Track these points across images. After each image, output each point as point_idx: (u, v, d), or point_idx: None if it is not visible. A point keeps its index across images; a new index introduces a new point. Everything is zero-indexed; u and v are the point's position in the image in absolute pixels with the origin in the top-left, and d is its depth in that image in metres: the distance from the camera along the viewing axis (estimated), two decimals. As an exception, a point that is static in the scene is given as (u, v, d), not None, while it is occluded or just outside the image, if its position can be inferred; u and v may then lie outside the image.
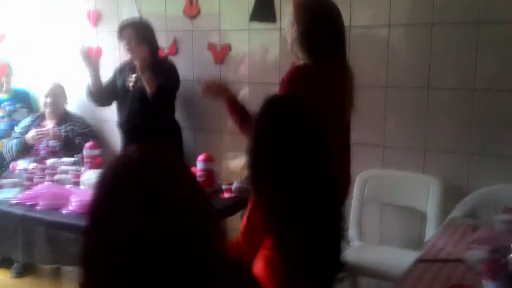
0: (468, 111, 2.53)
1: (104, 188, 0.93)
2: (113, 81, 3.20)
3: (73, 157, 3.00)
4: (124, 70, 3.16)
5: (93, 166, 2.79)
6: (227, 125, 3.21)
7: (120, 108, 3.17)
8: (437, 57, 2.58)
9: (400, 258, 2.35)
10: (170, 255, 0.88)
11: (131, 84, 3.07)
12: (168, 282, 0.87)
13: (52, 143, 3.27)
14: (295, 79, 2.01)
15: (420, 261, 1.73)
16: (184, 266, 0.89)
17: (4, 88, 3.62)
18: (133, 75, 3.06)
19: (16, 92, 3.68)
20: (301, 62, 2.09)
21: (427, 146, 2.65)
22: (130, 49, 2.97)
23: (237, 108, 2.19)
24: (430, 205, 2.54)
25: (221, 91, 2.27)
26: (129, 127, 3.06)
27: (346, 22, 2.18)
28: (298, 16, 2.07)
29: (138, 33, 2.98)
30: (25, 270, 3.27)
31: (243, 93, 2.47)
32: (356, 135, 2.33)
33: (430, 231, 2.43)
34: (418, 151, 2.68)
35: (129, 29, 3.00)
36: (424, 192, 2.58)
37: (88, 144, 2.94)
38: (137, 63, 2.90)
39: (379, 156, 2.77)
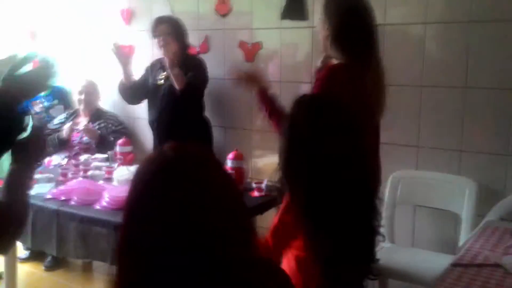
0: (506, 111, 2.45)
1: (140, 185, 0.93)
2: (144, 79, 3.23)
3: (106, 153, 3.05)
4: (155, 67, 3.19)
5: (125, 162, 2.83)
6: (257, 123, 3.20)
7: (151, 106, 3.20)
8: (474, 55, 2.51)
9: (432, 262, 2.30)
10: (204, 253, 0.87)
11: (161, 82, 3.09)
12: (201, 281, 0.87)
13: (86, 139, 3.32)
14: (331, 78, 1.98)
15: (455, 265, 1.68)
16: (218, 264, 0.88)
17: None
18: (164, 72, 3.08)
19: (53, 89, 3.75)
20: (334, 61, 2.06)
21: (463, 146, 2.58)
22: (163, 45, 3.00)
23: (268, 100, 2.18)
24: (465, 208, 2.46)
25: (254, 80, 2.27)
26: (159, 124, 3.09)
27: (380, 20, 2.14)
28: (329, 13, 2.04)
29: (172, 30, 3.01)
30: (57, 264, 3.34)
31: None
32: (389, 135, 2.29)
33: (465, 235, 2.36)
34: (453, 152, 2.61)
35: (163, 25, 3.03)
36: (459, 194, 2.50)
37: (120, 141, 2.98)
38: (167, 59, 2.92)
39: (413, 157, 2.71)
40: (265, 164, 3.19)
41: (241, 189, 2.49)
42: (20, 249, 3.33)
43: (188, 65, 2.99)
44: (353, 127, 1.57)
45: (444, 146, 2.63)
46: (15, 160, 1.29)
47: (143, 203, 0.91)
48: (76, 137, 3.39)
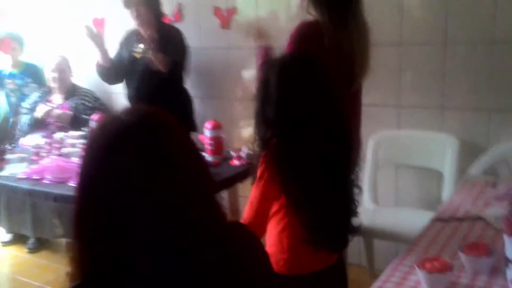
0: (487, 66, 2.41)
1: (95, 153, 0.87)
2: (120, 55, 3.11)
3: (82, 130, 2.97)
4: (129, 40, 3.07)
5: (87, 137, 2.75)
6: (237, 92, 3.13)
7: (128, 80, 3.09)
8: (452, 11, 2.44)
9: (416, 219, 2.26)
10: (164, 220, 0.82)
11: (138, 55, 2.99)
12: (162, 249, 0.82)
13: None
14: (301, 33, 1.92)
15: (436, 220, 1.66)
16: (180, 230, 0.83)
17: (12, 63, 3.58)
18: (140, 45, 2.96)
19: (26, 66, 3.64)
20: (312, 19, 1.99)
21: (444, 104, 2.54)
22: (137, 16, 2.87)
23: (265, 57, 2.11)
24: (448, 164, 2.44)
25: (261, 35, 2.20)
26: (139, 99, 2.98)
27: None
28: None
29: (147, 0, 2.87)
30: (40, 245, 3.30)
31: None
32: (369, 96, 2.23)
33: (448, 191, 2.35)
34: (435, 110, 2.57)
35: None
36: (441, 151, 2.48)
37: (96, 117, 2.90)
38: (144, 31, 2.82)
39: (394, 117, 2.67)
40: (246, 133, 3.13)
41: (219, 158, 2.45)
42: (3, 233, 3.28)
43: (165, 36, 2.88)
44: (330, 86, 1.52)
45: (426, 105, 2.59)
46: None
47: (98, 172, 0.84)
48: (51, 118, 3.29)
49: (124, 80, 3.13)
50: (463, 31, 2.44)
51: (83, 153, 0.89)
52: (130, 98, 3.07)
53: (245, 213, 1.53)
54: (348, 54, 1.94)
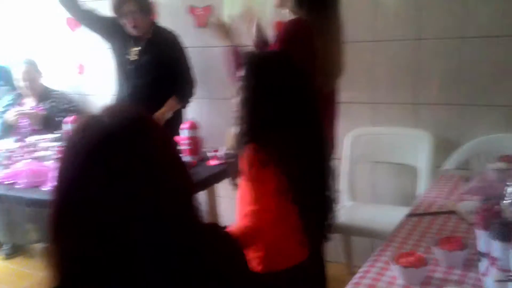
0: (456, 61, 2.45)
1: (71, 153, 0.85)
2: (106, 22, 2.94)
3: (55, 133, 2.91)
4: (124, 38, 2.92)
5: (64, 138, 2.70)
6: (214, 91, 3.12)
7: (121, 80, 2.99)
8: (426, 6, 2.48)
9: (392, 215, 2.27)
10: (142, 223, 0.81)
11: (134, 57, 2.90)
12: (141, 250, 0.81)
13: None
14: (293, 33, 1.92)
15: (411, 215, 1.68)
16: (158, 233, 0.82)
17: None
18: (136, 48, 2.89)
19: (-5, 69, 3.56)
20: (291, 16, 1.99)
21: (418, 99, 2.58)
22: (135, 26, 2.78)
23: (238, 57, 2.09)
24: (422, 160, 2.48)
25: (227, 33, 2.21)
26: (134, 100, 2.88)
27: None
28: None
29: (139, 6, 2.76)
30: (16, 251, 3.22)
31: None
32: (344, 94, 2.25)
33: (423, 186, 2.38)
34: (409, 106, 2.60)
35: (129, 3, 2.76)
36: (416, 147, 2.52)
37: (69, 119, 2.84)
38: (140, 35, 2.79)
39: (369, 114, 2.70)
40: (224, 132, 3.12)
41: (195, 158, 2.43)
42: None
43: (161, 40, 2.83)
44: (307, 85, 1.54)
45: (400, 101, 2.62)
46: None
47: (77, 175, 0.83)
48: (24, 120, 3.22)
49: (116, 80, 3.03)
50: (435, 26, 2.48)
51: (60, 155, 0.87)
52: (123, 99, 2.96)
53: (240, 211, 1.52)
54: (327, 54, 1.96)
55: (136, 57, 2.89)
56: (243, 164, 1.50)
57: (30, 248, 3.22)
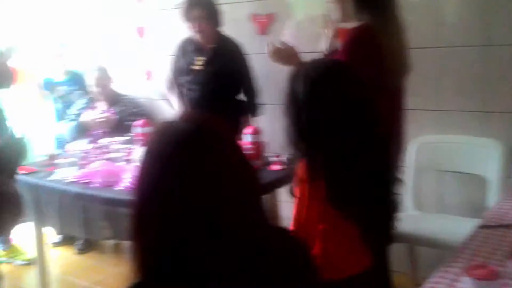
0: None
1: (150, 159, 0.92)
2: (177, 63, 3.07)
3: (126, 136, 3.06)
4: (187, 49, 3.03)
5: (145, 143, 2.82)
6: (278, 97, 3.15)
7: (184, 89, 3.05)
8: (495, 12, 2.40)
9: (459, 227, 2.23)
10: (217, 226, 0.86)
11: (198, 67, 2.96)
12: (216, 252, 0.86)
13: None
14: (358, 41, 1.93)
15: (482, 227, 1.63)
16: (231, 236, 0.87)
17: (60, 70, 3.73)
18: (201, 57, 2.94)
19: (72, 74, 3.78)
20: (354, 24, 2.00)
21: (488, 107, 2.49)
22: (199, 32, 2.86)
23: None
24: (492, 170, 2.39)
25: (290, 56, 2.16)
26: (200, 109, 2.94)
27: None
28: None
29: (207, 13, 2.83)
30: (89, 247, 3.41)
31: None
32: (410, 100, 2.22)
33: (493, 197, 2.30)
34: (478, 113, 2.52)
35: (197, 9, 2.84)
36: (485, 157, 2.43)
37: (139, 122, 2.98)
38: (204, 43, 2.84)
39: (436, 121, 2.64)
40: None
41: (258, 164, 2.47)
42: (53, 234, 3.42)
43: (226, 50, 2.88)
44: (365, 93, 1.51)
45: (467, 108, 2.55)
46: None
47: (158, 178, 0.89)
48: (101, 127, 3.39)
49: (180, 90, 3.11)
50: (504, 32, 2.40)
51: (141, 159, 0.93)
52: (186, 107, 3.05)
53: (295, 217, 1.54)
54: (394, 55, 1.95)
55: (201, 67, 2.93)
56: (297, 176, 1.52)
57: (101, 243, 3.41)
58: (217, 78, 2.89)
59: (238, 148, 0.98)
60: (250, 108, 3.01)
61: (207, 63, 2.91)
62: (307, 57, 2.28)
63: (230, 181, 0.89)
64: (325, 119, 1.45)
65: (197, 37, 2.91)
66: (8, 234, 2.96)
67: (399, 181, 1.65)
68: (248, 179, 0.95)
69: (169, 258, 0.87)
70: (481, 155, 2.45)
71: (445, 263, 1.41)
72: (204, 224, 0.86)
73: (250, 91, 3.00)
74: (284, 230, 1.06)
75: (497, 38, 2.41)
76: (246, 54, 2.97)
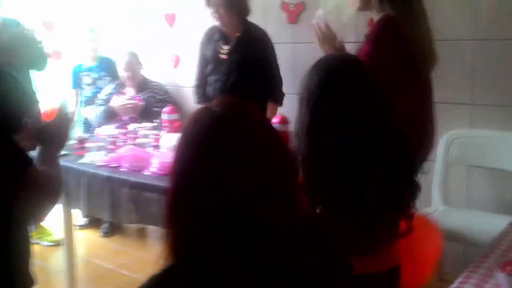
0: None
1: (185, 145, 0.91)
2: (203, 54, 3.04)
3: (153, 122, 3.09)
4: (212, 39, 3.00)
5: (172, 130, 2.85)
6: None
7: (212, 78, 3.02)
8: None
9: (488, 223, 2.21)
10: (254, 211, 0.85)
11: (224, 56, 2.92)
12: (252, 237, 0.85)
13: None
14: (385, 33, 1.90)
15: (515, 224, 1.60)
16: (267, 220, 0.86)
17: (89, 56, 3.77)
18: (226, 46, 2.90)
19: (101, 60, 3.82)
20: (377, 15, 1.97)
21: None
22: (219, 17, 2.81)
23: None
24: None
25: (329, 41, 2.12)
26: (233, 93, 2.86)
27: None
28: None
29: (226, 1, 2.76)
30: (113, 230, 3.47)
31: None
32: (442, 93, 2.18)
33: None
34: (509, 108, 2.46)
35: None
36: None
37: (166, 109, 3.00)
38: (227, 31, 2.81)
39: (467, 115, 2.60)
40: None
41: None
42: (79, 217, 3.48)
43: (251, 39, 2.83)
44: (377, 91, 1.41)
45: (501, 103, 2.49)
46: (39, 141, 1.39)
47: (193, 162, 0.88)
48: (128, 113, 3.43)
49: (207, 79, 3.07)
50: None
51: (176, 144, 0.94)
52: (211, 96, 3.01)
53: None
54: (418, 45, 1.92)
55: (226, 56, 2.90)
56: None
57: (126, 227, 3.46)
58: (241, 68, 2.86)
59: (275, 134, 0.97)
60: (276, 97, 3.00)
61: (231, 52, 2.89)
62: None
63: (268, 168, 0.88)
64: (326, 118, 1.37)
65: (218, 24, 2.88)
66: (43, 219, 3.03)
67: (422, 175, 1.56)
68: (286, 166, 0.94)
69: (202, 244, 0.87)
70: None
71: (475, 259, 1.39)
72: (238, 213, 0.85)
73: (275, 80, 2.98)
74: (320, 218, 1.05)
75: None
76: (272, 43, 2.94)
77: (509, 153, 2.41)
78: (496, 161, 2.46)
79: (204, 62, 3.06)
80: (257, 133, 0.91)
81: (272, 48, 2.95)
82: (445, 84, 2.31)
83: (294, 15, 3.15)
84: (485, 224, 2.24)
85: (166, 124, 2.92)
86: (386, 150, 1.38)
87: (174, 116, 2.96)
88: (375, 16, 2.01)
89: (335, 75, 1.42)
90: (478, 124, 2.56)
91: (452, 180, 2.58)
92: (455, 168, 2.58)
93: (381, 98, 1.41)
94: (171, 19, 3.76)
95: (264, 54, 2.91)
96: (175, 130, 2.84)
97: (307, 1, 3.08)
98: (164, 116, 2.96)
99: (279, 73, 2.99)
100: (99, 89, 3.70)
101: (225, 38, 2.91)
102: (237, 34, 2.87)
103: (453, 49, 2.50)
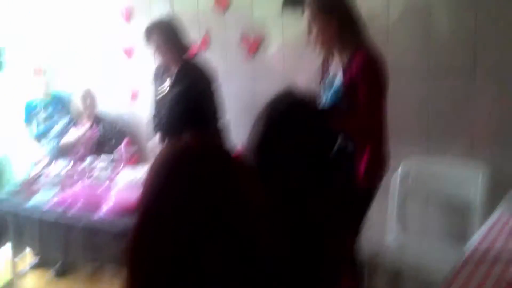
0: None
1: (162, 178, 0.88)
2: (153, 85, 3.08)
3: (110, 154, 3.02)
4: (159, 74, 3.03)
5: (129, 163, 2.81)
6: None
7: (155, 111, 3.03)
8: (480, 38, 2.43)
9: (444, 255, 2.23)
10: (226, 250, 0.84)
11: (164, 91, 2.93)
12: (222, 274, 0.84)
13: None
14: (370, 66, 2.00)
15: (466, 261, 1.61)
16: (240, 260, 0.85)
17: (43, 92, 3.69)
18: (168, 82, 2.92)
19: (55, 95, 3.75)
20: (367, 50, 2.04)
21: (474, 132, 2.50)
22: (158, 56, 2.87)
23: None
24: (476, 196, 2.39)
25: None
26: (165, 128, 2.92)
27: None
28: (331, 8, 2.05)
29: (163, 38, 2.79)
30: (67, 270, 3.32)
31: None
32: (396, 123, 2.23)
33: (477, 224, 2.29)
34: (464, 139, 2.53)
35: (154, 35, 2.82)
36: (470, 182, 2.43)
37: (125, 142, 2.96)
38: (172, 69, 2.83)
39: (423, 145, 2.64)
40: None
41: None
42: (30, 256, 3.32)
43: (185, 75, 2.83)
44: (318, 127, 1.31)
45: (455, 133, 2.56)
46: None
47: (166, 198, 0.86)
48: (80, 146, 3.36)
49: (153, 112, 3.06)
50: (490, 62, 2.43)
51: (145, 180, 0.90)
52: (158, 127, 2.98)
53: None
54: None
55: (166, 90, 2.91)
56: None
57: (79, 267, 3.31)
58: (175, 102, 2.82)
59: (244, 169, 0.95)
60: (212, 132, 2.93)
61: (170, 87, 2.89)
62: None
63: (238, 201, 0.87)
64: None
65: (159, 59, 2.90)
66: None
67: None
68: (255, 200, 0.92)
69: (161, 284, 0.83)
70: (467, 180, 2.45)
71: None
72: (215, 253, 0.83)
73: (212, 115, 2.92)
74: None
75: (481, 66, 2.44)
76: (210, 78, 2.88)
77: (462, 182, 2.46)
78: (451, 190, 2.51)
79: (156, 94, 3.06)
80: (225, 171, 0.89)
81: (209, 83, 2.88)
82: (400, 115, 2.37)
83: (254, 47, 3.17)
84: (440, 255, 2.27)
85: (122, 157, 2.86)
86: None
87: (131, 149, 2.92)
88: (346, 52, 2.07)
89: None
90: (434, 153, 2.62)
91: (409, 209, 2.61)
92: (411, 197, 2.62)
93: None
94: (129, 52, 3.73)
95: (198, 88, 2.84)
96: (132, 163, 2.79)
97: (266, 33, 3.11)
98: (121, 149, 2.91)
99: (215, 109, 2.92)
100: (53, 124, 3.62)
101: (168, 74, 2.91)
102: (175, 70, 2.86)
103: (405, 82, 2.57)
